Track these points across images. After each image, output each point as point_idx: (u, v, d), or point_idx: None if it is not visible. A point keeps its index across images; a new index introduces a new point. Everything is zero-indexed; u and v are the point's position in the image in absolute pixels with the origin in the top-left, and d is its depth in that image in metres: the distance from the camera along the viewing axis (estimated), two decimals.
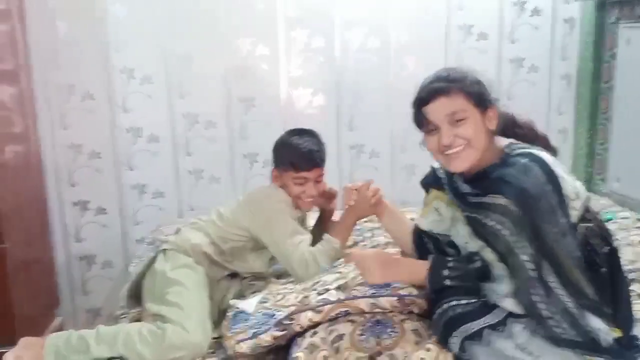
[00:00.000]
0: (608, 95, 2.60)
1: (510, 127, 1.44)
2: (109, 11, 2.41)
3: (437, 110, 1.34)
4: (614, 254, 1.31)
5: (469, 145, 1.33)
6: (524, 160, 1.27)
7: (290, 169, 1.73)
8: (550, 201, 1.22)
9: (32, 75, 2.38)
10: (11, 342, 2.06)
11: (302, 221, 1.91)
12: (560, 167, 1.29)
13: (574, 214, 1.25)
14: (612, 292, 1.28)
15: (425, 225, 1.53)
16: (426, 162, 2.75)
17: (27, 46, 2.35)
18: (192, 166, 2.61)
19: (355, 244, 1.87)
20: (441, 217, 1.49)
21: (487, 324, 1.26)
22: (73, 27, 2.41)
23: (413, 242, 1.58)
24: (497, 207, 1.25)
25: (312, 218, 2.02)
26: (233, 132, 2.60)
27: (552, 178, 1.24)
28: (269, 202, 1.74)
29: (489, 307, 1.28)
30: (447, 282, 1.32)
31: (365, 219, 1.95)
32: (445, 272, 1.33)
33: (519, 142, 1.38)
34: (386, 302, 1.35)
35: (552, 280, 1.21)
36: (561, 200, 1.23)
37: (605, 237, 1.31)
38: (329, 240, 1.67)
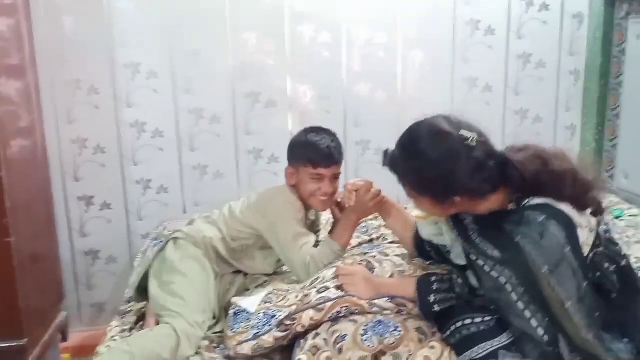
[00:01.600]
0: (617, 91, 2.58)
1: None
2: (115, 6, 2.40)
3: None
4: (626, 273, 1.26)
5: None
6: (541, 218, 1.17)
7: (308, 165, 1.72)
8: (569, 266, 1.15)
9: (37, 70, 2.37)
10: (18, 336, 2.08)
11: (313, 223, 1.90)
12: (572, 212, 1.19)
13: (586, 250, 1.19)
14: (629, 318, 1.23)
15: (425, 235, 1.53)
16: None
17: (33, 41, 2.34)
18: (196, 162, 2.60)
19: (360, 245, 1.85)
20: (441, 231, 1.47)
21: (502, 344, 1.22)
22: (79, 22, 2.40)
23: (414, 245, 1.57)
24: (504, 263, 1.18)
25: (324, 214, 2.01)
26: (238, 128, 2.59)
27: (571, 234, 1.16)
28: (276, 204, 1.74)
29: (502, 325, 1.24)
30: (436, 308, 1.30)
31: (371, 217, 1.94)
32: (432, 298, 1.31)
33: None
34: (379, 300, 1.36)
35: (564, 349, 1.16)
36: (581, 260, 1.16)
37: (614, 257, 1.25)
38: (329, 243, 1.67)
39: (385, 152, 1.34)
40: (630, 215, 2.26)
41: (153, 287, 1.67)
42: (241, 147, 2.62)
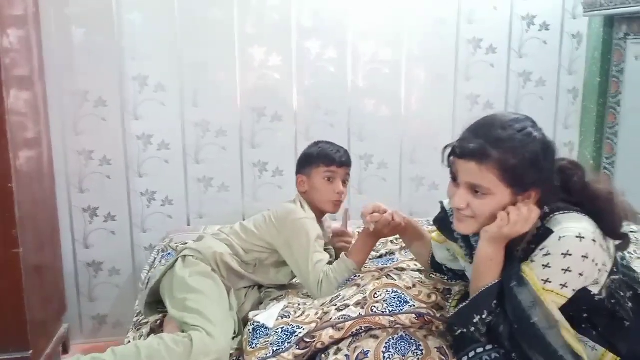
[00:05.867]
0: (615, 110, 2.63)
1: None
2: (125, 18, 2.43)
3: (463, 172, 1.22)
4: None
5: (476, 219, 1.23)
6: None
7: (321, 165, 1.81)
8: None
9: (45, 81, 2.38)
10: (24, 348, 2.07)
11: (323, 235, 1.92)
12: (597, 232, 1.19)
13: (603, 277, 1.21)
14: None
15: (439, 258, 1.54)
16: (433, 174, 2.78)
17: (42, 52, 2.35)
18: (202, 174, 2.62)
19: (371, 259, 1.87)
20: (454, 257, 1.47)
21: None
22: (88, 34, 2.42)
23: (431, 264, 1.59)
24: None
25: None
26: (244, 141, 2.61)
27: (590, 251, 1.16)
28: (291, 220, 1.76)
29: (518, 357, 1.20)
30: (472, 329, 1.22)
31: None
32: (475, 319, 1.22)
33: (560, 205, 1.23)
34: (405, 318, 1.33)
35: None
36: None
37: (632, 284, 1.26)
38: (345, 260, 1.68)
39: (446, 148, 1.28)
40: (630, 232, 2.30)
41: (170, 308, 1.65)
42: (246, 160, 2.63)
